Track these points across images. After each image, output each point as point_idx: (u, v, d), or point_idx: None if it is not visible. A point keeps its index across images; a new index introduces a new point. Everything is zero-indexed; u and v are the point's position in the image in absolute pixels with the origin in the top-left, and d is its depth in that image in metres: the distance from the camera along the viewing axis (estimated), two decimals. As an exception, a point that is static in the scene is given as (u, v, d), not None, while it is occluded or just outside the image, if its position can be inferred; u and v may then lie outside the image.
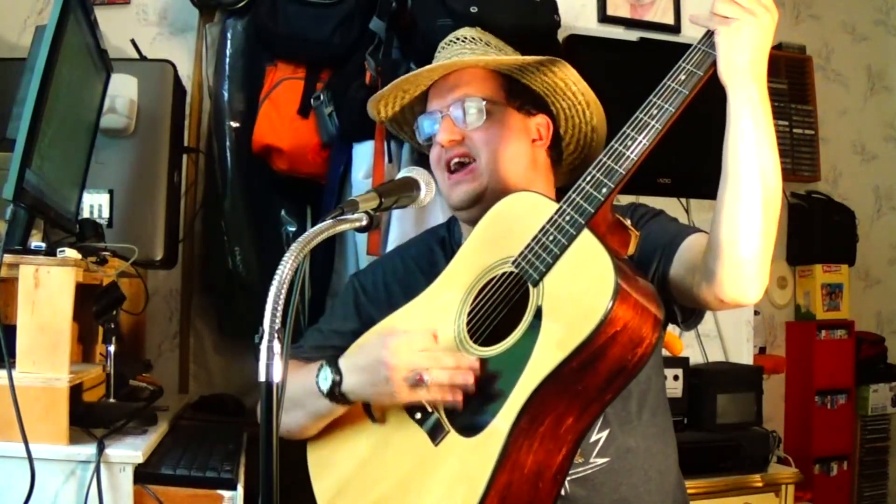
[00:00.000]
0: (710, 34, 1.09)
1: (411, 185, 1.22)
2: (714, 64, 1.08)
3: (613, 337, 1.03)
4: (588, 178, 1.11)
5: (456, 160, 1.35)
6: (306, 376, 1.24)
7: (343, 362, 1.22)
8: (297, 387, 1.23)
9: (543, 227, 1.12)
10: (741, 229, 1.07)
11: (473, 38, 1.45)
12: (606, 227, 1.12)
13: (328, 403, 1.22)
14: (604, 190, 1.09)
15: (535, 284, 1.12)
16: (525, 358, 1.08)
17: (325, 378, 1.21)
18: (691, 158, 2.20)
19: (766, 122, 1.08)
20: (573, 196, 1.11)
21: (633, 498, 1.27)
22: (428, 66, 1.38)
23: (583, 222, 1.09)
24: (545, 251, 1.11)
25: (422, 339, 1.16)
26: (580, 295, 1.06)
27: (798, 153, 3.65)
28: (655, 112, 1.09)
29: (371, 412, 1.24)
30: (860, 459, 3.74)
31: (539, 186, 1.35)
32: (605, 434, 1.26)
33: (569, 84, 1.40)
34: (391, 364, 1.14)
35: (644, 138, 1.09)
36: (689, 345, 2.72)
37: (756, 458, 2.58)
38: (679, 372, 2.57)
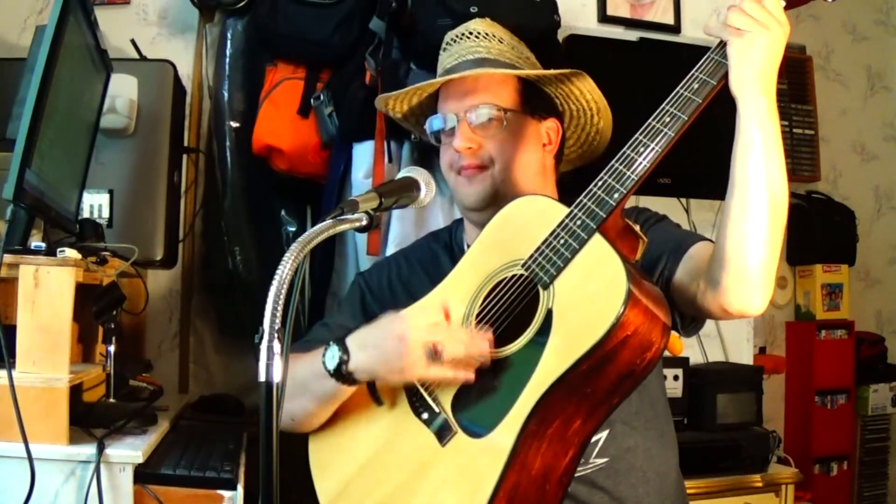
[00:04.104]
0: (723, 44, 1.10)
1: (411, 185, 1.22)
2: (727, 74, 1.09)
3: (624, 341, 1.03)
4: (600, 184, 1.12)
5: (472, 166, 1.35)
6: (312, 359, 1.23)
7: (351, 340, 1.20)
8: (302, 370, 1.22)
9: (554, 231, 1.12)
10: (748, 240, 1.08)
11: (487, 34, 1.44)
12: (617, 231, 1.12)
13: (334, 384, 1.20)
14: (615, 195, 1.10)
15: (546, 287, 1.12)
16: (535, 360, 1.08)
17: (332, 356, 1.19)
18: (691, 158, 2.20)
19: (775, 134, 1.09)
20: (585, 200, 1.12)
21: (632, 498, 1.27)
22: (458, 74, 1.36)
23: (594, 227, 1.09)
24: (556, 254, 1.11)
25: (435, 313, 1.16)
26: (591, 299, 1.07)
27: (798, 153, 3.65)
28: (668, 120, 1.10)
29: (376, 394, 1.23)
30: (860, 459, 3.74)
31: (548, 192, 1.37)
32: (604, 434, 1.26)
33: (584, 92, 1.42)
34: (406, 337, 1.12)
35: (656, 145, 1.09)
36: (689, 345, 2.71)
37: (756, 458, 2.58)
38: (679, 372, 2.57)
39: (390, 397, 1.23)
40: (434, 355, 1.11)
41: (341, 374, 1.19)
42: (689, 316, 1.24)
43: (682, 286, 1.20)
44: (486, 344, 1.13)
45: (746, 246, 1.08)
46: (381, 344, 1.17)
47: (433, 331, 1.13)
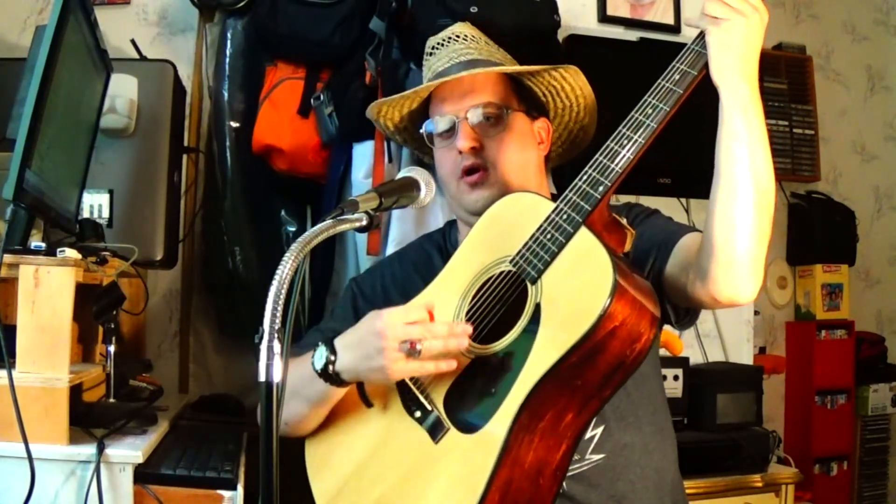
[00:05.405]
0: (702, 34, 1.11)
1: (411, 185, 1.22)
2: (707, 64, 1.10)
3: (612, 332, 1.04)
4: (584, 177, 1.12)
5: (476, 167, 1.35)
6: (303, 363, 1.24)
7: (338, 341, 1.21)
8: (293, 374, 1.22)
9: (541, 226, 1.13)
10: (734, 228, 1.08)
11: (474, 37, 1.45)
12: (603, 225, 1.13)
13: (323, 385, 1.21)
14: (600, 188, 1.10)
15: (534, 282, 1.13)
16: (524, 354, 1.09)
17: (321, 357, 1.20)
18: (691, 158, 2.19)
19: (758, 121, 1.09)
20: (570, 195, 1.12)
21: (630, 494, 1.27)
22: (465, 72, 1.36)
23: (580, 220, 1.10)
24: (543, 249, 1.12)
25: (415, 311, 1.15)
26: (578, 291, 1.07)
27: (798, 153, 3.65)
28: (650, 111, 1.10)
29: (365, 396, 1.23)
30: (860, 459, 3.74)
31: (543, 190, 1.38)
32: (600, 430, 1.26)
33: (574, 88, 1.43)
34: (384, 335, 1.13)
35: (639, 137, 1.10)
36: (689, 345, 2.72)
37: (756, 458, 2.58)
38: (679, 372, 2.57)
39: (383, 398, 1.24)
40: (412, 351, 1.11)
41: (328, 374, 1.20)
42: (683, 308, 1.25)
43: (673, 278, 1.20)
44: (464, 336, 1.13)
45: (733, 234, 1.08)
46: (362, 342, 1.17)
47: (412, 328, 1.13)
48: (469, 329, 1.14)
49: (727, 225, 1.08)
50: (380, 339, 1.13)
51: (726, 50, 1.08)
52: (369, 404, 1.24)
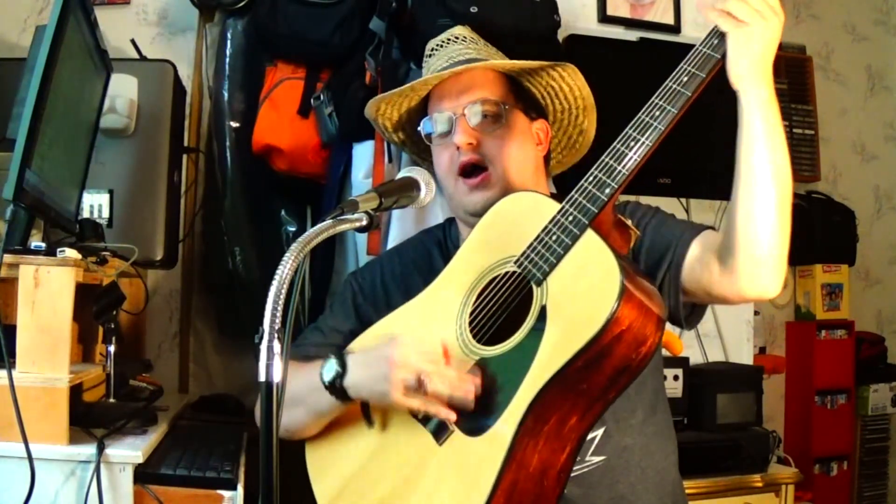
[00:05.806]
0: (711, 36, 1.10)
1: (411, 185, 1.22)
2: (716, 66, 1.09)
3: (619, 336, 1.04)
4: (591, 179, 1.12)
5: (470, 165, 1.34)
6: (309, 373, 1.24)
7: (350, 357, 1.21)
8: (299, 384, 1.23)
9: (546, 227, 1.13)
10: (759, 227, 1.09)
11: (473, 38, 1.46)
12: (608, 226, 1.13)
13: (329, 399, 1.21)
14: (607, 190, 1.10)
15: (539, 284, 1.12)
16: (530, 357, 1.09)
17: (330, 369, 1.20)
18: (691, 158, 2.20)
19: (777, 122, 1.10)
20: (576, 196, 1.12)
21: (630, 496, 1.27)
22: (461, 67, 1.36)
23: (586, 222, 1.10)
24: (548, 251, 1.11)
25: (431, 345, 1.15)
26: (585, 294, 1.07)
27: (798, 153, 3.65)
28: (658, 113, 1.10)
29: (368, 415, 1.23)
30: (860, 459, 3.74)
31: (543, 190, 1.37)
32: (600, 432, 1.26)
33: (573, 89, 1.42)
34: (395, 363, 1.13)
35: (646, 139, 1.10)
36: (689, 345, 2.71)
37: (756, 458, 2.58)
38: (679, 372, 2.57)
39: (383, 413, 1.23)
40: (418, 386, 1.11)
41: (335, 387, 1.20)
42: (690, 306, 1.25)
43: (693, 278, 1.20)
44: (471, 390, 1.12)
45: (759, 232, 1.09)
46: (372, 365, 1.17)
47: (423, 361, 1.13)
48: (478, 382, 1.12)
49: (752, 224, 1.09)
50: (389, 366, 1.13)
51: (747, 54, 1.07)
52: (371, 423, 1.23)
